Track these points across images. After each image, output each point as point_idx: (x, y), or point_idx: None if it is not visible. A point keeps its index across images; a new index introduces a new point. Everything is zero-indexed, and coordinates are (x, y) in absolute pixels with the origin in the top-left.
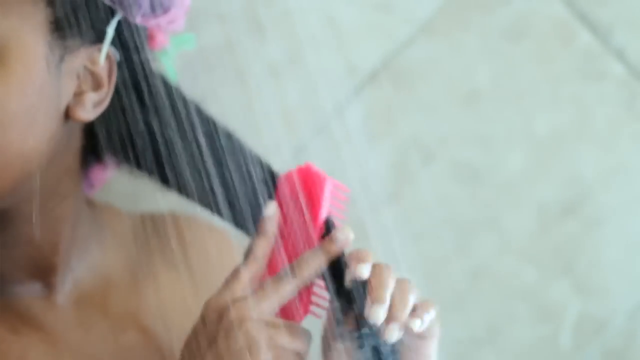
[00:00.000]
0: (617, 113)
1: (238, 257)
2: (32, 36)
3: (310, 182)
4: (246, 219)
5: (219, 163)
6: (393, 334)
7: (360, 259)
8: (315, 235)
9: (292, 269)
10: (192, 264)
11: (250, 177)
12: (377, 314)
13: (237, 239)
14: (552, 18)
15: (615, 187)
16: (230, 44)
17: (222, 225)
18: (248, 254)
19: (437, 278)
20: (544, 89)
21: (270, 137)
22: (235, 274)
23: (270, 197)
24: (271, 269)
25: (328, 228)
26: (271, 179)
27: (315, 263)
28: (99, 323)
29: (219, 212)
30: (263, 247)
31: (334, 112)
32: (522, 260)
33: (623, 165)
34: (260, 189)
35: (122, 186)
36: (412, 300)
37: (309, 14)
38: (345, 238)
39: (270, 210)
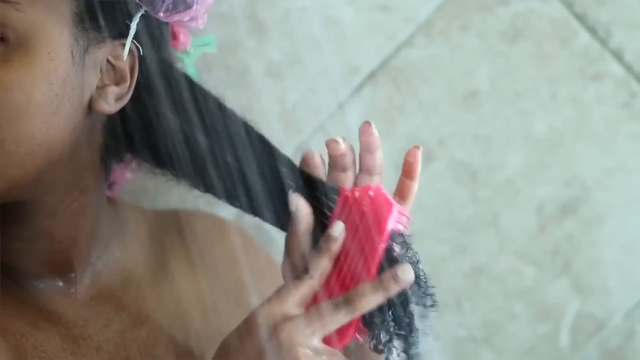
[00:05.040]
0: (616, 113)
1: (254, 253)
2: (57, 27)
3: (376, 205)
4: (273, 212)
5: (244, 157)
6: None
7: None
8: (373, 261)
9: (349, 299)
10: (208, 261)
11: (277, 171)
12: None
13: (253, 234)
14: (550, 18)
15: (613, 186)
16: (230, 44)
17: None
18: (308, 268)
19: (436, 277)
20: (542, 89)
21: (271, 137)
22: (289, 286)
23: (294, 189)
24: (324, 287)
25: (389, 257)
26: (293, 171)
27: (374, 299)
28: (117, 318)
29: (245, 208)
30: (324, 267)
31: (333, 112)
32: (521, 260)
33: (621, 165)
34: (289, 183)
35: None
36: None
37: (309, 14)
38: (408, 278)
39: (338, 229)
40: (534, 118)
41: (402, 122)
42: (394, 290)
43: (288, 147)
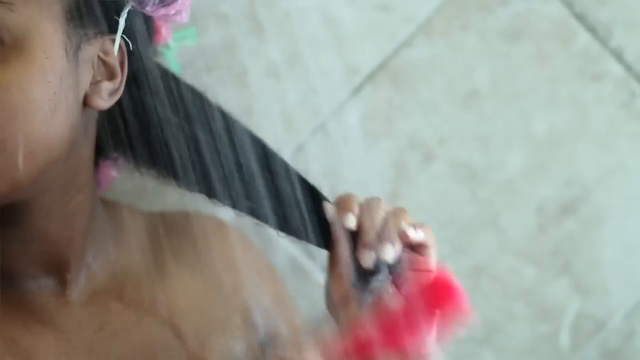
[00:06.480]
0: (616, 113)
1: (252, 255)
2: (50, 24)
3: (442, 292)
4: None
5: (232, 155)
6: (388, 253)
7: (345, 208)
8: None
9: None
10: (205, 261)
11: (271, 170)
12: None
13: (251, 236)
14: (551, 18)
15: (613, 186)
16: (230, 44)
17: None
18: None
19: None
20: (542, 89)
21: (270, 137)
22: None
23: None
24: (359, 343)
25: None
26: (290, 174)
27: None
28: (112, 320)
29: (235, 206)
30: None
31: (333, 112)
32: (521, 260)
33: (621, 165)
34: (280, 177)
35: (124, 184)
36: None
37: (309, 14)
38: None
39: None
40: (534, 118)
41: (402, 122)
42: None
43: (288, 147)
